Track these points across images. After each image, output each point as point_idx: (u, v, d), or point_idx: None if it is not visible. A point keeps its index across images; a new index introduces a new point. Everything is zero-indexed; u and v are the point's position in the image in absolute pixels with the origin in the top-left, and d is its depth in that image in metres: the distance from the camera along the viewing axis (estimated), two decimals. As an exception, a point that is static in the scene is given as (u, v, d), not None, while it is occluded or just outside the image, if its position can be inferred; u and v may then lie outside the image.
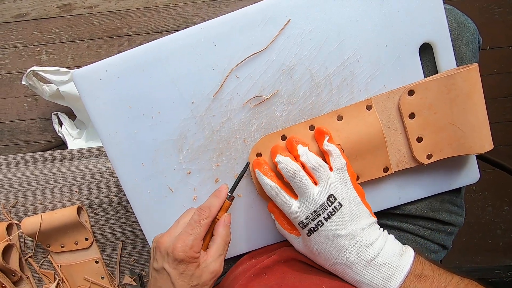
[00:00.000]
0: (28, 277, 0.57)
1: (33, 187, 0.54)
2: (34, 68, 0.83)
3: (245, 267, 0.40)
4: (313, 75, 0.36)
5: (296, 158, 0.34)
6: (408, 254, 0.31)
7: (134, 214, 0.40)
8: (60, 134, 0.93)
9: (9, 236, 0.54)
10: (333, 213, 0.31)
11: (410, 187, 0.39)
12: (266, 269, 0.37)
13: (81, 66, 0.37)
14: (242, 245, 0.41)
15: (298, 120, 0.37)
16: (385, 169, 0.36)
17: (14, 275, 0.55)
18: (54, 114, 0.94)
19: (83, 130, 0.93)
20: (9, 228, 0.55)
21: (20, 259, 0.56)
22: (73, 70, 0.35)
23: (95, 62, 0.35)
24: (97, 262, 0.56)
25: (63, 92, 0.86)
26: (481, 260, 0.99)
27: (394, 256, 0.31)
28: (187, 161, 0.38)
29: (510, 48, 0.91)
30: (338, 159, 0.33)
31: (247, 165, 0.37)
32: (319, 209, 0.31)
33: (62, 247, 0.55)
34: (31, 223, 0.52)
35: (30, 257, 0.57)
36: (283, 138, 0.36)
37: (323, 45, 0.36)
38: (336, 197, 0.31)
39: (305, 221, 0.32)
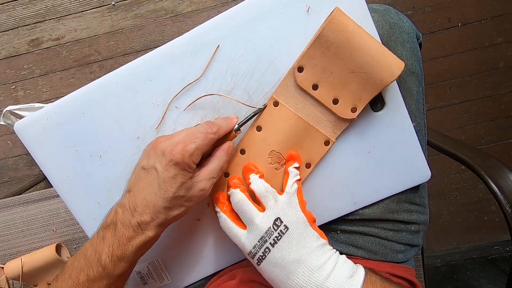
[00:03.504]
0: (21, 316, 0.58)
1: (12, 231, 0.55)
2: (9, 107, 0.84)
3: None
4: (251, 96, 0.37)
5: (248, 185, 0.34)
6: (358, 274, 0.30)
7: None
8: (46, 167, 0.95)
9: (-4, 280, 0.56)
10: (279, 237, 0.31)
11: (364, 192, 0.39)
12: None
13: (57, 98, 0.38)
14: (208, 267, 0.42)
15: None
16: (326, 143, 0.37)
17: (6, 317, 0.56)
18: (38, 149, 0.95)
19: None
20: (-5, 272, 0.57)
21: (10, 300, 0.57)
22: (17, 122, 0.36)
23: (70, 92, 0.36)
24: (85, 294, 0.57)
25: (41, 126, 0.88)
26: (479, 238, 0.99)
27: (344, 278, 0.30)
28: (141, 195, 0.38)
29: (482, 22, 0.89)
30: (290, 183, 0.33)
31: (265, 106, 0.36)
32: (265, 235, 0.31)
33: (49, 284, 0.56)
34: (12, 267, 0.53)
35: (21, 296, 0.58)
36: (226, 175, 0.37)
37: (256, 65, 0.36)
38: (283, 220, 0.31)
39: (253, 250, 0.31)
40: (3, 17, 0.93)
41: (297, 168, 0.35)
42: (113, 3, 0.94)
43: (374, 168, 0.38)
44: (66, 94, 0.36)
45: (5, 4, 0.93)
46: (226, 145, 0.33)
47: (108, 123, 0.37)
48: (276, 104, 0.36)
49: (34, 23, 0.94)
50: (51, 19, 0.94)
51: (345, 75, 0.34)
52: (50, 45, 0.95)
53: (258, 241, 0.31)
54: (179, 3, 0.93)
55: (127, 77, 0.36)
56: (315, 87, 0.35)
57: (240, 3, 0.35)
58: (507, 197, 0.36)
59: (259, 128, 0.36)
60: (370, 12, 0.35)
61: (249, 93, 0.36)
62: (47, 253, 0.53)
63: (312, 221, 0.33)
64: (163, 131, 0.37)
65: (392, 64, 0.33)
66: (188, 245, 0.41)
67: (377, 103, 0.37)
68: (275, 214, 0.31)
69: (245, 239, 0.32)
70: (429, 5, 0.88)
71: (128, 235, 0.30)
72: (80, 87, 0.36)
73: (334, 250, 0.32)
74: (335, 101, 0.35)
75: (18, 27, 0.94)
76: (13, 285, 0.58)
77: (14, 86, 0.96)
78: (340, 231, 0.43)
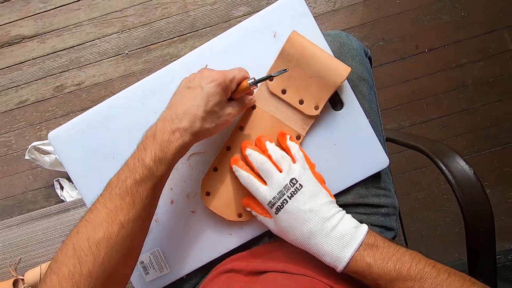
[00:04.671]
0: (34, 328, 0.62)
1: (33, 242, 0.62)
2: (34, 143, 0.96)
3: (211, 275, 0.46)
4: (234, 103, 0.46)
5: (264, 152, 0.41)
6: (362, 227, 0.36)
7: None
8: (62, 197, 1.03)
9: (15, 290, 0.61)
10: (295, 192, 0.37)
11: (335, 180, 0.45)
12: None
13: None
14: (204, 256, 0.47)
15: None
16: (298, 137, 0.44)
17: (21, 327, 0.60)
18: (56, 181, 1.05)
19: (75, 198, 1.03)
20: (15, 283, 0.62)
21: (26, 311, 0.61)
22: (50, 132, 0.45)
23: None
24: (94, 303, 0.61)
25: (61, 159, 0.98)
26: (481, 249, 0.99)
27: (351, 228, 0.35)
28: (146, 189, 0.46)
29: (446, 47, 1.01)
30: (297, 153, 0.40)
31: (286, 70, 0.39)
32: (283, 189, 0.37)
33: None
34: (32, 275, 0.59)
35: (35, 308, 0.62)
36: (215, 169, 0.44)
37: (237, 79, 0.45)
38: (298, 179, 0.37)
39: (272, 200, 0.37)
40: (35, 69, 1.10)
41: (291, 139, 0.42)
42: (126, 52, 1.10)
43: (340, 158, 0.45)
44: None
45: (37, 58, 1.10)
46: (251, 98, 0.42)
47: (120, 130, 0.46)
48: (254, 107, 0.45)
49: (60, 72, 1.10)
50: (74, 68, 1.10)
51: (306, 80, 0.43)
52: (72, 89, 1.09)
53: (277, 194, 0.37)
54: (181, 49, 1.08)
55: (135, 93, 0.46)
56: (284, 91, 0.44)
57: (222, 33, 0.46)
58: (454, 176, 0.42)
59: (241, 128, 0.45)
60: (324, 36, 0.46)
61: (232, 101, 0.45)
62: (62, 259, 0.59)
63: (322, 181, 0.40)
64: (164, 135, 0.46)
65: (341, 69, 0.42)
66: (185, 236, 0.47)
67: (337, 104, 0.46)
68: (291, 176, 0.38)
69: (266, 191, 0.38)
70: (397, 36, 1.01)
71: (168, 139, 0.35)
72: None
73: (341, 208, 0.38)
74: (301, 102, 0.44)
75: (46, 77, 1.10)
76: (29, 296, 0.63)
77: (39, 126, 1.09)
78: (320, 219, 0.48)
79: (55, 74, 1.10)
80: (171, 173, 0.45)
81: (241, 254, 0.47)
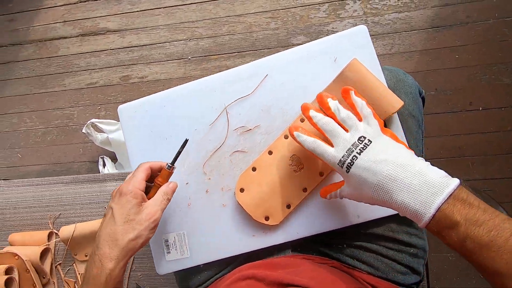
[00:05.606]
0: (54, 282, 0.66)
1: (75, 202, 0.68)
2: (93, 120, 1.06)
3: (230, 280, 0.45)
4: (284, 113, 0.49)
5: (326, 110, 0.39)
6: (454, 179, 0.30)
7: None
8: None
9: (48, 242, 0.67)
10: (364, 148, 0.35)
11: (367, 208, 0.44)
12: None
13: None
14: (224, 251, 0.48)
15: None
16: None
17: (44, 277, 0.65)
18: (101, 158, 1.14)
19: (120, 171, 1.11)
20: (50, 235, 0.68)
21: (51, 264, 0.67)
22: (120, 106, 0.52)
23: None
24: (110, 273, 0.65)
25: (111, 139, 1.07)
26: None
27: (439, 176, 0.30)
28: (186, 174, 0.50)
29: (502, 109, 0.97)
30: (364, 109, 0.38)
31: (186, 141, 0.44)
32: (351, 147, 0.35)
33: (86, 256, 0.65)
34: (67, 231, 0.64)
35: (59, 264, 0.67)
36: (254, 169, 0.47)
37: (293, 91, 0.49)
38: (366, 136, 0.35)
39: (342, 159, 0.35)
40: (110, 58, 1.24)
41: (355, 94, 0.39)
42: (189, 57, 1.21)
43: (376, 185, 0.46)
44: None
45: (114, 50, 1.25)
46: (165, 185, 0.43)
47: (178, 115, 0.51)
48: (302, 120, 0.47)
49: (129, 65, 1.23)
50: (141, 63, 1.23)
51: None
52: (135, 81, 1.21)
53: (346, 152, 0.35)
54: (238, 63, 1.17)
55: (199, 87, 0.51)
56: None
57: (285, 50, 0.50)
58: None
59: (286, 137, 0.47)
60: (382, 69, 0.48)
61: (283, 110, 0.49)
62: (97, 224, 0.64)
63: (394, 137, 0.36)
64: (215, 128, 0.50)
65: (394, 100, 0.44)
66: (211, 226, 0.49)
67: (383, 133, 0.47)
68: (358, 134, 0.36)
69: (334, 152, 0.36)
70: (450, 89, 1.00)
71: (94, 274, 0.37)
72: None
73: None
74: None
75: (117, 66, 1.24)
76: (57, 252, 0.68)
77: (99, 107, 1.22)
78: (346, 244, 0.48)
79: (125, 65, 1.23)
80: (211, 166, 0.48)
81: (262, 262, 0.47)
